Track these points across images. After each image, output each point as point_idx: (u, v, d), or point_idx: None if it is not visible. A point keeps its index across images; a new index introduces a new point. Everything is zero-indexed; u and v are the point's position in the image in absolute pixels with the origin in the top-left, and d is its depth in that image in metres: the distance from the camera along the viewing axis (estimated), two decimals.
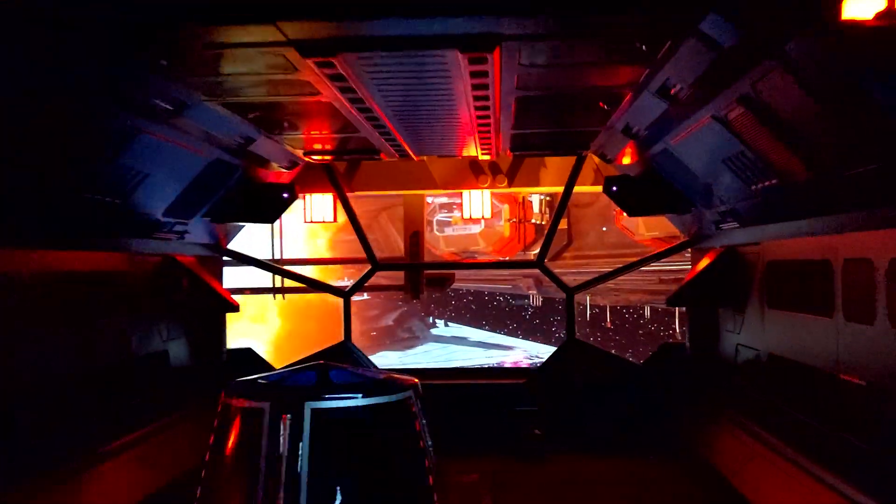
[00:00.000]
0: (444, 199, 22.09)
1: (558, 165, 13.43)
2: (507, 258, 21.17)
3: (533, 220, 22.08)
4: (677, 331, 37.70)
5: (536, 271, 31.47)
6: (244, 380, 5.07)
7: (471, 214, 13.73)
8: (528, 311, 41.95)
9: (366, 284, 13.28)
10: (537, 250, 24.16)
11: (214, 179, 9.57)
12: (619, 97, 7.67)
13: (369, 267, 12.67)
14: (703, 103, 7.21)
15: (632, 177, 10.81)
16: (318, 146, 10.16)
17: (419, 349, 39.54)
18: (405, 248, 13.92)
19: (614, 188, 11.00)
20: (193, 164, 8.92)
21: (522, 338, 42.92)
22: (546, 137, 9.78)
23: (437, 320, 41.66)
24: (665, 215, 11.14)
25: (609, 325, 37.90)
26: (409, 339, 40.45)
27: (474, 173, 13.52)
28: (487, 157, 10.89)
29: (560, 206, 12.66)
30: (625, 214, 23.26)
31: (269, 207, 11.08)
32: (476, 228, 23.04)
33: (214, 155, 9.07)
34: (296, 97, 7.62)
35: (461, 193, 13.88)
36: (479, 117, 8.10)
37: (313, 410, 4.28)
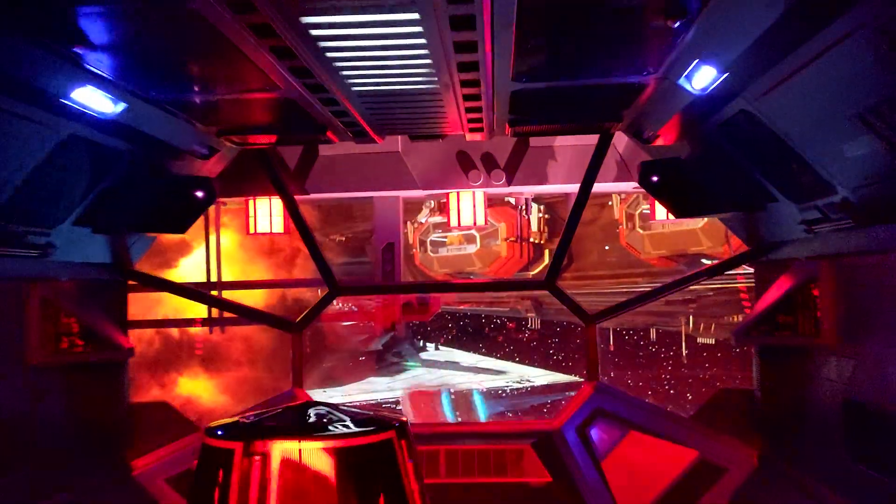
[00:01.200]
0: (439, 219, 20.65)
1: (571, 157, 10.32)
2: (506, 279, 18.41)
3: (531, 239, 19.67)
4: (683, 353, 35.00)
5: (534, 293, 28.82)
6: (225, 421, 4.73)
7: (459, 221, 10.60)
8: (526, 334, 39.69)
9: (327, 313, 10.16)
10: (535, 272, 21.49)
11: (78, 169, 6.45)
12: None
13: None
14: (844, 6, 4.17)
15: (682, 160, 7.70)
16: (234, 122, 7.09)
17: (408, 374, 36.90)
18: (376, 266, 10.80)
19: (654, 178, 7.86)
20: (32, 144, 5.83)
21: (518, 361, 40.26)
22: (559, 102, 6.72)
23: (427, 344, 38.92)
24: (724, 216, 8.06)
25: (611, 348, 35.19)
26: (398, 364, 37.76)
27: (463, 169, 10.42)
28: (478, 137, 7.82)
29: (575, 210, 9.48)
30: (630, 229, 20.39)
31: (177, 211, 7.96)
32: (471, 248, 21.02)
33: (67, 130, 5.98)
34: (191, 44, 4.90)
35: (447, 196, 10.77)
36: (459, 48, 5.04)
37: (283, 451, 4.12)
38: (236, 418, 4.79)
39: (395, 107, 6.56)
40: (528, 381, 39.10)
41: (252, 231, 10.84)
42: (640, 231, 19.17)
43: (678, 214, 8.11)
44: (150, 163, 7.38)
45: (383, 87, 6.03)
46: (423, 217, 20.17)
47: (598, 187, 9.72)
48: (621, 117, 7.16)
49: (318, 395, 29.00)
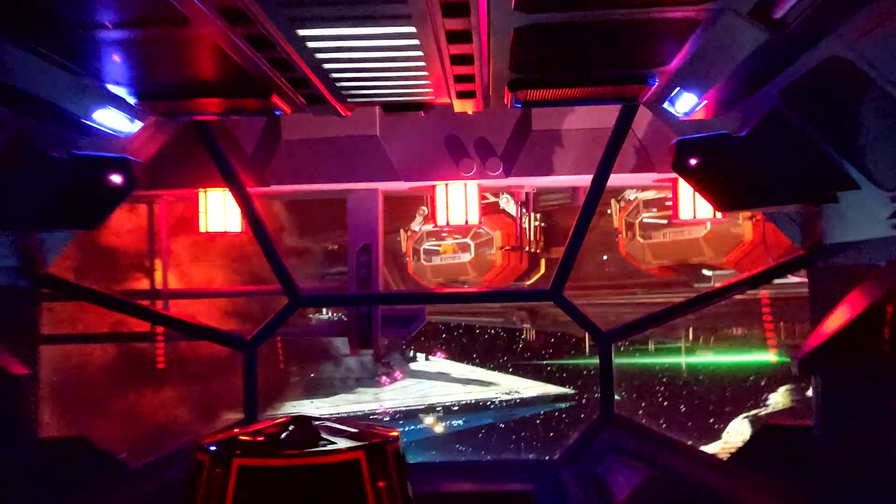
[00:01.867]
0: (432, 227, 19.65)
1: (581, 143, 8.65)
2: (505, 288, 16.87)
3: (526, 248, 18.61)
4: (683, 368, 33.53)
5: (529, 303, 27.10)
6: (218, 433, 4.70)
7: (448, 218, 8.91)
8: (520, 345, 38.37)
9: (285, 329, 8.43)
10: (530, 282, 20.10)
11: None
12: None
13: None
14: None
15: (731, 137, 5.96)
16: (155, 81, 5.36)
17: (397, 385, 35.74)
18: (350, 271, 9.09)
19: (693, 160, 6.16)
20: None
21: (510, 373, 38.96)
22: (574, 53, 5.03)
23: (417, 354, 37.69)
24: (780, 209, 6.35)
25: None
26: (387, 374, 36.56)
27: (453, 157, 8.75)
28: (469, 108, 6.13)
29: (587, 207, 7.72)
30: (630, 238, 18.92)
31: (86, 201, 6.22)
32: (466, 257, 20.16)
33: None
34: None
35: (433, 189, 9.08)
36: None
37: (241, 468, 3.96)
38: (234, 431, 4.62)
39: (358, 59, 4.88)
40: (517, 392, 37.74)
41: (203, 229, 9.14)
42: (641, 240, 18.07)
43: (723, 207, 6.41)
44: (47, 136, 5.67)
45: (340, 30, 4.36)
46: (416, 225, 19.31)
47: (612, 180, 8.03)
48: (653, 77, 5.46)
49: (305, 406, 27.60)
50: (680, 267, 19.04)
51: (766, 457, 7.13)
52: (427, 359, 38.43)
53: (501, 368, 38.94)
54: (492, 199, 20.77)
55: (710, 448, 27.45)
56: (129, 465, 7.38)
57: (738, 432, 27.48)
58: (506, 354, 37.91)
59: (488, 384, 38.33)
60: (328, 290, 9.84)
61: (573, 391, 36.73)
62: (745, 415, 28.95)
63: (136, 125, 6.06)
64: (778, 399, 28.62)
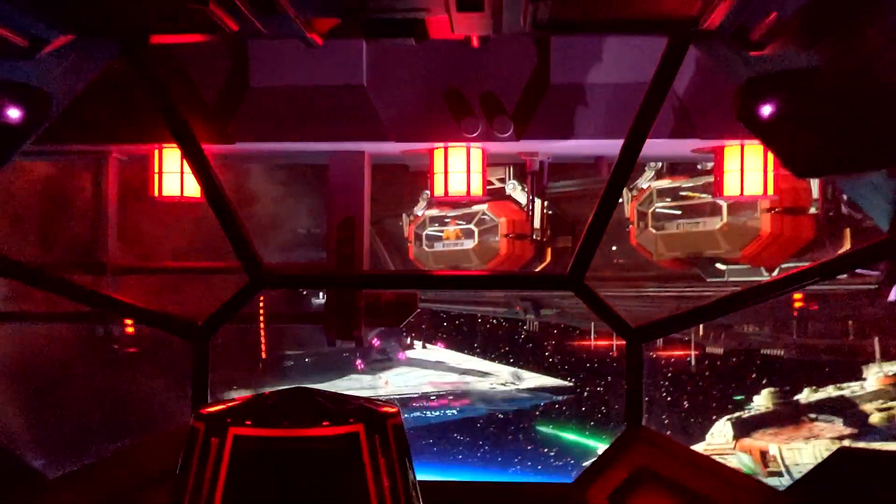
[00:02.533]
0: (436, 212, 19.36)
1: (608, 100, 7.16)
2: (515, 272, 15.62)
3: (533, 237, 17.58)
4: (693, 365, 32.29)
5: (533, 293, 25.80)
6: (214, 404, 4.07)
7: (446, 189, 7.44)
8: (522, 335, 37.34)
9: (243, 313, 6.98)
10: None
11: None
12: None
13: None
14: None
15: (822, 71, 4.33)
16: None
17: (391, 373, 34.65)
18: (329, 248, 7.62)
19: (767, 106, 4.60)
20: None
21: (511, 363, 37.98)
22: None
23: (415, 341, 36.80)
24: (874, 177, 4.88)
25: (614, 353, 32.47)
26: (382, 362, 35.62)
27: (454, 114, 7.29)
28: (475, 28, 4.61)
29: (616, 177, 6.17)
30: (642, 229, 17.64)
31: None
32: (469, 244, 19.33)
33: None
34: None
35: (431, 153, 7.60)
36: None
37: (236, 437, 3.61)
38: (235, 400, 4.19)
39: None
40: (514, 383, 37.14)
41: (155, 193, 7.68)
42: (653, 231, 16.93)
43: (804, 170, 4.89)
44: None
45: None
46: (419, 209, 18.32)
47: (644, 148, 6.49)
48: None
49: None
50: (694, 260, 18.02)
51: (836, 485, 5.72)
52: (424, 346, 37.50)
53: (502, 359, 38.27)
54: (497, 184, 19.41)
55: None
56: (47, 476, 6.00)
57: (721, 434, 26.40)
58: (507, 345, 37.27)
59: (485, 374, 37.81)
60: (303, 268, 8.41)
61: (572, 383, 35.99)
62: (728, 417, 27.89)
63: (40, 46, 4.59)
64: (761, 402, 27.54)
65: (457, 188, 7.29)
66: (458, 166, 7.19)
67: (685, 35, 5.43)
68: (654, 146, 7.24)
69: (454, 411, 35.77)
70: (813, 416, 26.14)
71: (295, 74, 7.25)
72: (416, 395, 34.77)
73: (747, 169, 7.13)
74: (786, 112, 4.62)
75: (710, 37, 5.08)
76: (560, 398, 36.21)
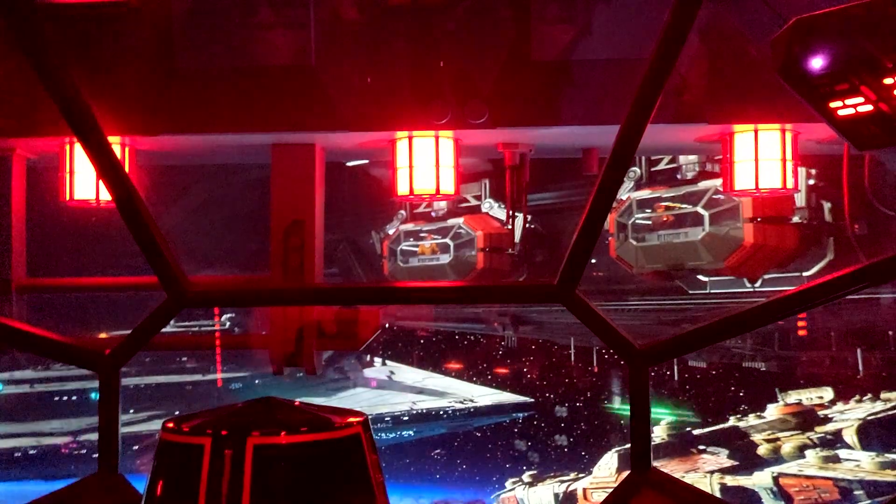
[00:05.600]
0: (411, 226, 18.40)
1: (600, 79, 6.09)
2: (490, 285, 14.69)
3: (509, 251, 16.77)
4: (675, 378, 31.47)
5: (513, 309, 24.99)
6: (182, 416, 4.08)
7: (411, 185, 6.29)
8: (500, 352, 36.51)
9: (162, 338, 5.74)
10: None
11: None
12: None
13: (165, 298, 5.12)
14: None
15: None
16: None
17: (347, 393, 33.70)
18: (272, 258, 6.42)
19: (819, 56, 3.41)
20: None
21: (475, 381, 36.99)
22: None
23: (374, 358, 35.78)
24: None
25: (595, 370, 31.54)
26: (339, 381, 34.42)
27: (420, 98, 6.15)
28: None
29: (612, 166, 4.94)
30: (622, 241, 16.81)
31: None
32: (445, 258, 18.57)
33: None
34: None
35: (393, 143, 6.45)
36: None
37: (256, 447, 3.65)
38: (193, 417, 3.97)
39: None
40: (471, 400, 36.32)
41: (66, 197, 6.44)
42: (634, 242, 16.15)
43: (866, 141, 3.82)
44: None
45: None
46: (392, 228, 17.82)
47: (657, 134, 5.34)
48: None
49: None
50: (675, 272, 17.34)
51: None
52: (384, 363, 36.34)
53: (481, 376, 37.52)
54: (473, 201, 18.53)
55: (578, 484, 25.66)
56: None
57: (606, 467, 25.79)
58: (485, 362, 36.68)
59: (442, 394, 37.01)
60: (238, 283, 7.14)
61: (531, 399, 35.33)
62: (616, 449, 27.25)
63: None
64: (658, 433, 26.94)
65: (424, 185, 6.12)
66: (425, 157, 6.04)
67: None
68: (654, 134, 6.13)
69: (410, 432, 34.83)
70: (702, 447, 25.65)
71: (230, 54, 6.08)
72: (370, 417, 34.03)
73: (762, 157, 6.08)
74: (844, 64, 3.56)
75: None
76: (520, 415, 35.52)
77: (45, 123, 6.06)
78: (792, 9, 3.81)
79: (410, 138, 6.10)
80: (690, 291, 18.03)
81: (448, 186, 6.22)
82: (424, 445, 34.05)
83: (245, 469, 3.71)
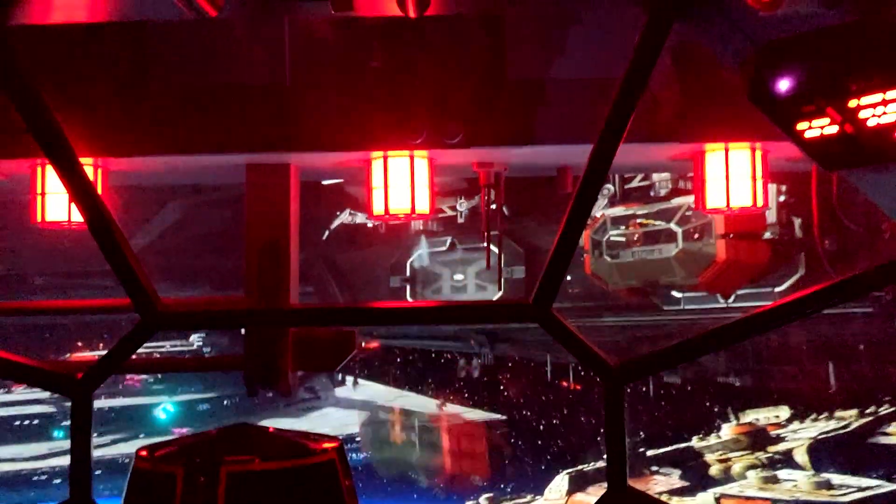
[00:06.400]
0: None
1: (576, 98, 6.17)
2: (464, 302, 14.32)
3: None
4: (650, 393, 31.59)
5: (489, 327, 24.96)
6: (162, 442, 4.31)
7: (387, 205, 6.30)
8: (476, 370, 36.65)
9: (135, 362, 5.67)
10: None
11: None
12: None
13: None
14: None
15: (868, 23, 3.35)
16: None
17: (316, 414, 33.53)
18: (247, 279, 6.39)
19: (785, 78, 3.40)
20: None
21: (467, 404, 36.88)
22: None
23: (346, 377, 35.53)
24: None
25: (573, 386, 31.59)
26: (310, 401, 34.07)
27: (394, 117, 6.18)
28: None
29: (587, 184, 5.03)
30: (597, 257, 16.74)
31: None
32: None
33: None
34: None
35: (368, 164, 6.47)
36: None
37: (229, 474, 3.65)
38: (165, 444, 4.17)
39: None
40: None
41: (38, 219, 6.37)
42: (608, 259, 16.22)
43: (834, 161, 3.88)
44: None
45: None
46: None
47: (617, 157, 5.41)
48: None
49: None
50: (649, 288, 17.48)
51: None
52: (356, 382, 36.03)
53: (458, 393, 37.47)
54: (449, 212, 18.20)
55: None
56: None
57: (557, 489, 25.55)
58: (460, 380, 36.76)
59: (413, 412, 36.69)
60: (211, 304, 7.12)
61: (503, 416, 35.36)
62: (568, 471, 27.13)
63: None
64: None
65: (399, 204, 6.15)
66: (400, 177, 6.07)
67: (667, 7, 4.44)
68: (628, 153, 6.20)
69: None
70: (655, 468, 25.72)
71: (204, 74, 6.09)
72: (340, 437, 33.78)
73: (733, 175, 6.18)
74: (810, 87, 3.65)
75: (699, 3, 4.11)
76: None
77: (16, 145, 6.00)
78: (761, 32, 3.89)
79: (385, 158, 6.12)
80: (665, 308, 17.98)
81: (423, 206, 6.25)
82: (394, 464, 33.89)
83: (219, 498, 3.71)
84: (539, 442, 33.15)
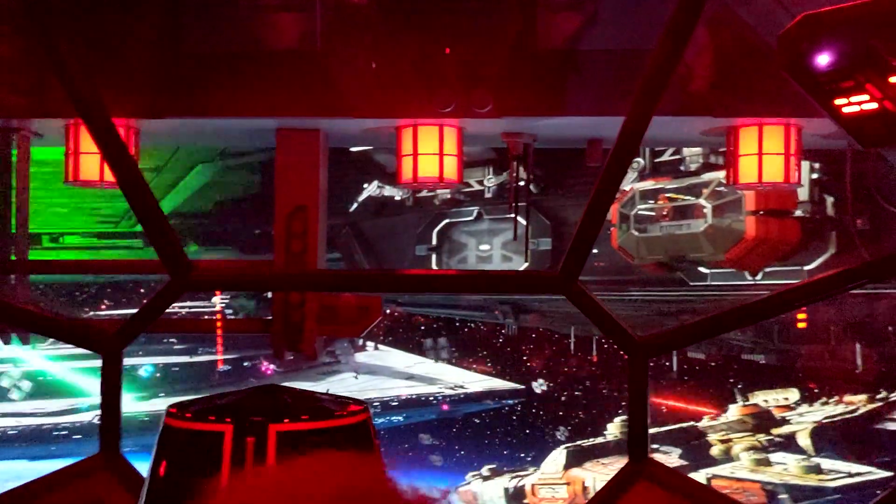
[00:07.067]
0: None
1: (606, 69, 6.10)
2: (492, 272, 14.27)
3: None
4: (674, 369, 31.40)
5: (514, 297, 24.92)
6: (189, 400, 3.78)
7: (415, 173, 6.32)
8: (500, 339, 36.54)
9: (168, 319, 5.82)
10: None
11: None
12: None
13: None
14: None
15: None
16: None
17: (335, 378, 33.13)
18: (277, 241, 6.47)
19: (826, 54, 3.43)
20: None
21: (471, 368, 36.93)
22: None
23: (367, 343, 35.54)
24: None
25: (594, 359, 31.52)
26: (330, 365, 34.14)
27: (425, 86, 6.18)
28: None
29: (615, 159, 4.94)
30: (624, 231, 16.59)
31: None
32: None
33: None
34: None
35: (399, 130, 6.48)
36: None
37: (280, 434, 3.48)
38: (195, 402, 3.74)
39: None
40: (462, 387, 35.99)
41: (69, 179, 6.47)
42: (635, 233, 16.06)
43: (873, 138, 3.84)
44: None
45: None
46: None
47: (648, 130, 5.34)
48: None
49: None
50: (676, 263, 17.31)
51: None
52: (376, 348, 36.15)
53: (481, 362, 37.46)
54: (476, 186, 18.10)
55: (527, 480, 25.33)
56: None
57: (554, 463, 25.21)
58: (486, 348, 36.60)
59: (433, 380, 36.80)
60: (240, 267, 7.21)
61: (524, 387, 35.32)
62: (566, 445, 26.61)
63: None
64: (614, 430, 26.64)
65: (428, 171, 6.16)
66: (429, 145, 6.07)
67: None
68: (659, 126, 6.16)
69: (400, 417, 34.89)
70: (655, 446, 25.55)
71: (236, 39, 6.11)
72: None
73: (766, 152, 6.10)
74: (850, 62, 3.58)
75: None
76: (510, 402, 35.44)
77: (52, 104, 6.09)
78: (800, 4, 3.82)
79: (415, 126, 6.11)
80: (691, 283, 17.79)
81: (451, 174, 6.25)
82: (412, 431, 34.10)
83: (268, 457, 3.61)
84: (560, 413, 33.19)
